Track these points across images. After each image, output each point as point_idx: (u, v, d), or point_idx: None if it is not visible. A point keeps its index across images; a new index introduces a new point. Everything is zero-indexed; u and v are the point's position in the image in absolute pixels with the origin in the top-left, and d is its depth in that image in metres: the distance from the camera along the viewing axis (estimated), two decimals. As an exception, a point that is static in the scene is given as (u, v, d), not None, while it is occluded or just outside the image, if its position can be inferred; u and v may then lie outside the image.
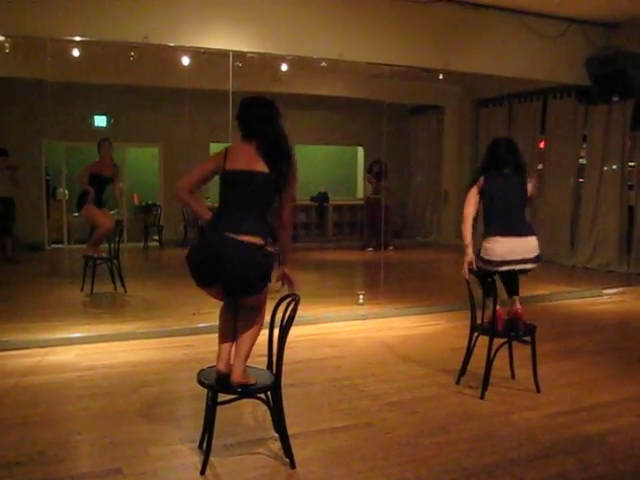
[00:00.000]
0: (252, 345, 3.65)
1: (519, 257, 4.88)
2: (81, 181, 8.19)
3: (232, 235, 3.40)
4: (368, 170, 13.06)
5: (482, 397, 4.73)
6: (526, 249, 4.90)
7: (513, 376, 5.15)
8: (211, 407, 3.50)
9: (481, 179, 4.99)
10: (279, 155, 3.54)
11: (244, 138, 3.61)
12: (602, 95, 9.39)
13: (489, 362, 4.78)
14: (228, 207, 3.54)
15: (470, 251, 4.89)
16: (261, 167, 3.50)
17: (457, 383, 5.03)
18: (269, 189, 3.55)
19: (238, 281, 3.48)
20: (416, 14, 7.90)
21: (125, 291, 8.12)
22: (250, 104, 3.65)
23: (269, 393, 3.60)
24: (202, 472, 3.47)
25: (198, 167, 3.64)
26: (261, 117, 3.59)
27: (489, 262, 4.88)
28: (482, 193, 4.97)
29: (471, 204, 4.99)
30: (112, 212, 8.78)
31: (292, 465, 3.57)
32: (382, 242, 10.23)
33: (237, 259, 3.40)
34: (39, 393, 4.77)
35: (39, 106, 8.45)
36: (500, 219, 4.93)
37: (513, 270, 4.94)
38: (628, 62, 8.68)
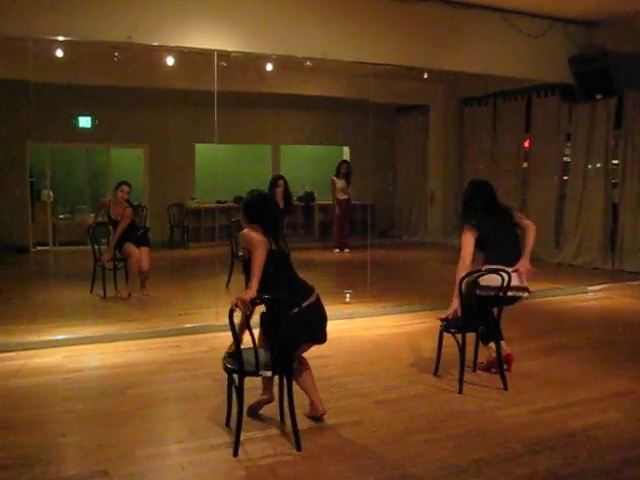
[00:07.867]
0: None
1: None
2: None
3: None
4: (336, 171, 12.53)
5: (460, 392, 4.79)
6: None
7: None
8: (239, 391, 3.82)
9: None
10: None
11: None
12: (585, 93, 9.44)
13: (462, 357, 4.85)
14: None
15: None
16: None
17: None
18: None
19: None
20: (400, 13, 7.90)
21: (129, 295, 8.01)
22: None
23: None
24: (235, 454, 3.71)
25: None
26: None
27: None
28: None
29: None
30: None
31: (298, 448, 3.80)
32: (369, 241, 10.19)
33: None
34: (24, 396, 4.74)
35: (22, 108, 8.36)
36: None
37: None
38: (610, 60, 8.73)
